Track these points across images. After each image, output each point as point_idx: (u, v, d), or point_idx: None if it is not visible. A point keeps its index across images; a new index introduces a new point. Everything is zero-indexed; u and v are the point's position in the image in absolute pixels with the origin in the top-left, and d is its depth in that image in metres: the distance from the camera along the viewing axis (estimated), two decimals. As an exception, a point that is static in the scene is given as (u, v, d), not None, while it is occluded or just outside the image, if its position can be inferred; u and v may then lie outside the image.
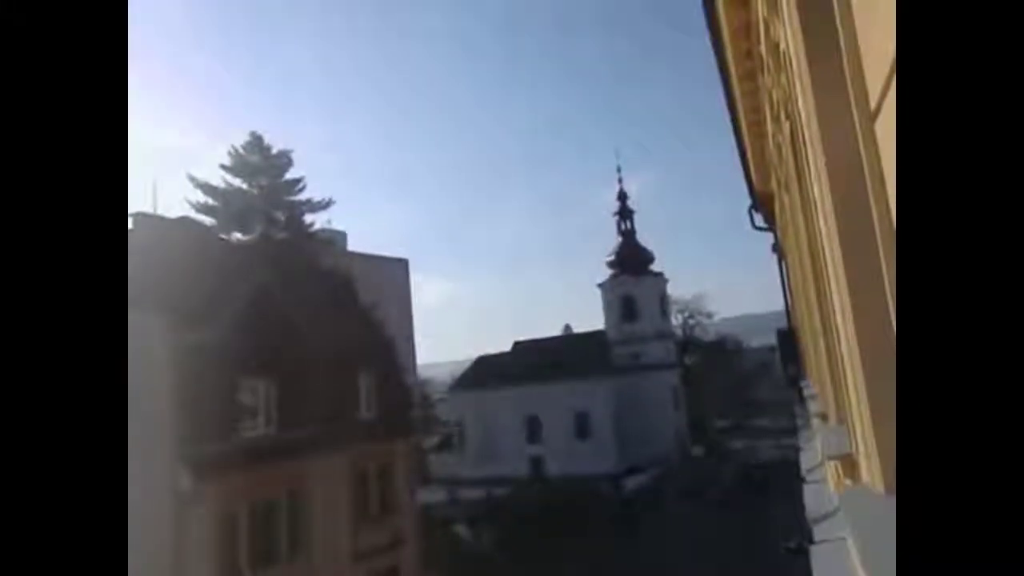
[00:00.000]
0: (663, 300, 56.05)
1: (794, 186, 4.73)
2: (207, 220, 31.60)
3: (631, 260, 54.98)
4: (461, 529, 32.28)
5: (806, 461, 6.77)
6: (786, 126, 4.22)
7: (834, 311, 2.77)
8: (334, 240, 40.14)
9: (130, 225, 17.46)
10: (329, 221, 38.38)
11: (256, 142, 34.64)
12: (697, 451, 51.73)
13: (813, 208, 3.28)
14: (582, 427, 49.79)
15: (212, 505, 12.62)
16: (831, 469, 4.08)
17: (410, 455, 20.35)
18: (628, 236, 56.53)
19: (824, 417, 5.12)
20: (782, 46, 3.35)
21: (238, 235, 32.58)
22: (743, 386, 65.61)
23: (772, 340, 12.85)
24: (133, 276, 15.08)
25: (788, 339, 9.93)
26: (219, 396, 13.25)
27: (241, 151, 34.36)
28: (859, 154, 1.79)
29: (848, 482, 3.17)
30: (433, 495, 38.78)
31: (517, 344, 56.74)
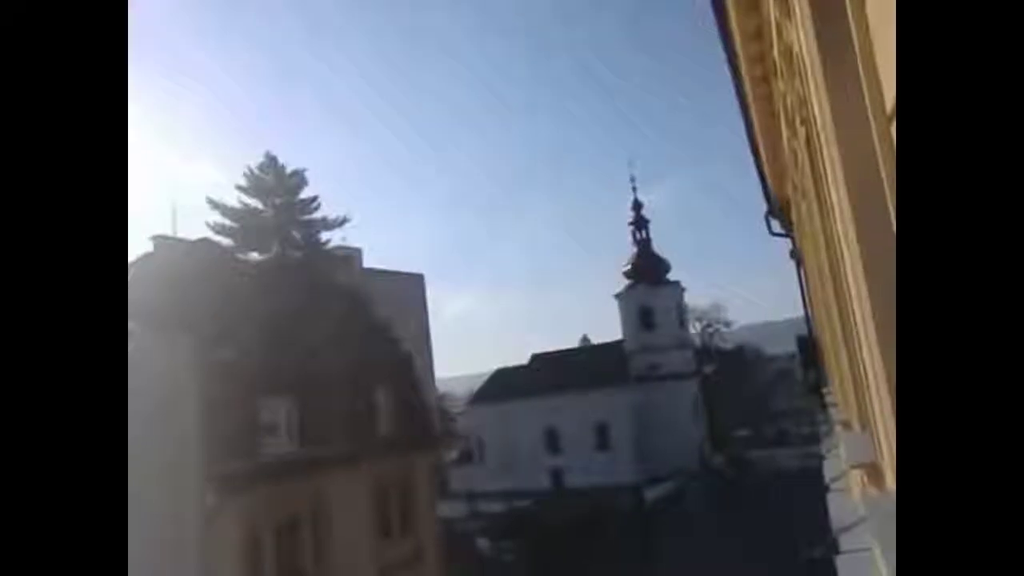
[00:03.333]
0: (680, 309, 55.60)
1: (811, 191, 4.69)
2: (225, 241, 32.06)
3: (647, 269, 54.69)
4: (483, 543, 32.07)
5: (830, 470, 6.65)
6: (801, 131, 4.19)
7: (855, 316, 2.73)
8: (350, 257, 40.47)
9: (151, 248, 17.83)
10: (344, 238, 38.71)
11: (271, 163, 35.17)
12: (717, 461, 51.01)
13: (830, 213, 3.25)
14: (601, 438, 49.39)
15: (237, 521, 12.71)
16: (855, 477, 4.00)
17: (430, 469, 20.30)
18: (644, 245, 56.29)
19: (847, 425, 5.03)
20: (795, 50, 3.34)
21: (255, 255, 32.97)
22: (763, 395, 64.78)
23: (792, 348, 12.68)
24: (156, 298, 15.28)
25: (808, 346, 9.80)
26: (241, 414, 13.39)
27: (256, 171, 34.90)
28: (876, 157, 1.78)
29: (873, 490, 3.10)
30: (453, 509, 38.64)
31: (535, 356, 56.59)
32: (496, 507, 41.45)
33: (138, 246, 18.08)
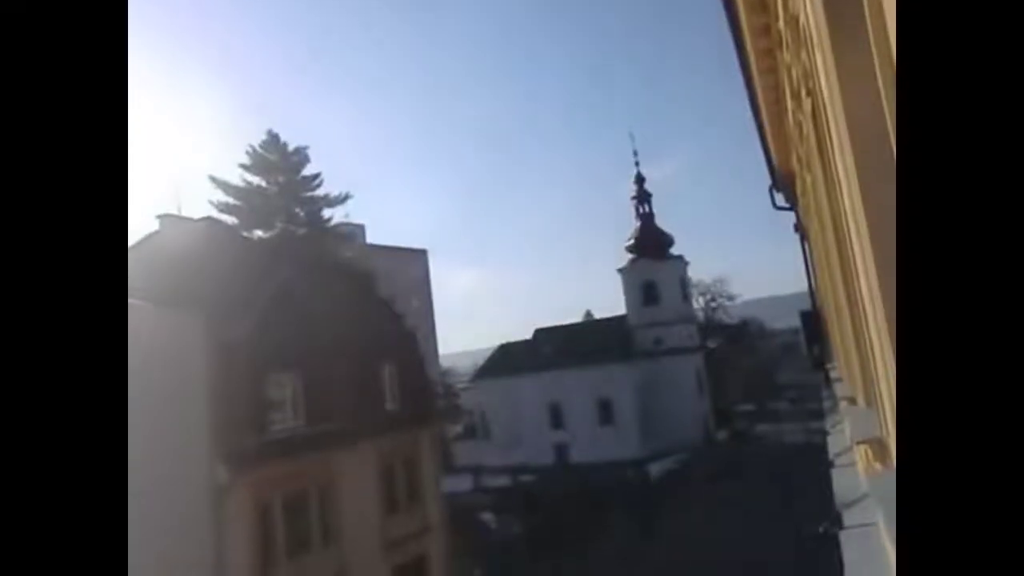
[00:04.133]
0: (684, 283, 55.57)
1: (816, 164, 4.63)
2: (230, 219, 32.03)
3: (650, 244, 54.54)
4: (487, 517, 32.59)
5: (834, 445, 6.68)
6: (807, 103, 4.12)
7: (860, 291, 2.71)
8: (353, 234, 40.50)
9: (156, 227, 17.87)
10: (347, 215, 38.62)
11: (273, 140, 34.98)
12: (721, 435, 51.44)
13: (837, 186, 3.21)
14: (605, 413, 49.81)
15: (247, 496, 12.97)
16: (860, 453, 4.02)
17: (434, 444, 20.54)
18: (647, 220, 56.04)
19: (852, 400, 5.04)
20: (802, 20, 3.26)
21: (260, 233, 32.99)
22: (767, 369, 64.98)
23: (796, 322, 12.67)
24: (163, 277, 15.38)
25: (812, 321, 9.78)
26: (249, 391, 13.53)
27: (259, 149, 34.72)
28: (886, 129, 1.74)
29: (878, 466, 3.11)
30: (459, 483, 39.19)
31: (538, 331, 56.79)
32: (501, 482, 42.03)
33: (144, 225, 18.09)
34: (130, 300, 13.39)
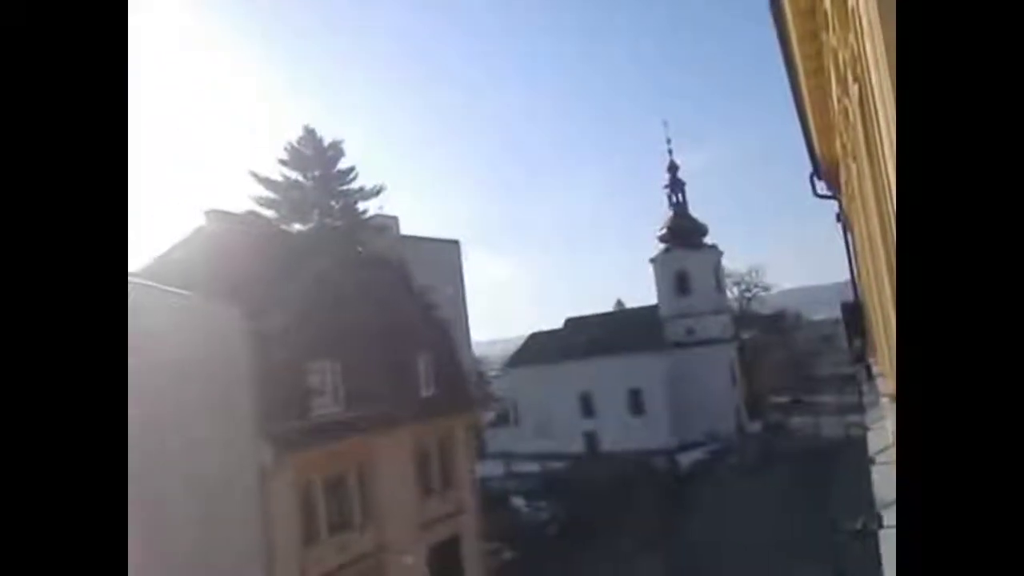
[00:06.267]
0: (718, 273, 54.65)
1: (862, 153, 4.56)
2: (269, 213, 32.84)
3: (683, 233, 53.75)
4: (518, 502, 32.92)
5: (875, 442, 6.56)
6: (854, 88, 4.06)
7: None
8: (388, 225, 40.93)
9: (202, 221, 18.62)
10: (381, 207, 39.05)
11: (309, 135, 35.61)
12: (754, 427, 50.65)
13: (884, 176, 3.17)
14: (636, 403, 49.55)
15: (290, 478, 13.48)
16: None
17: (467, 431, 20.83)
18: (680, 208, 55.22)
19: (894, 397, 4.95)
20: (851, 1, 3.22)
21: (297, 226, 33.69)
22: (803, 361, 63.54)
23: (835, 313, 12.36)
24: (209, 269, 15.91)
25: (854, 313, 9.56)
26: (291, 378, 14.00)
27: (295, 145, 35.41)
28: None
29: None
30: (491, 469, 39.61)
31: (569, 321, 56.70)
32: (531, 468, 42.31)
33: (191, 219, 18.68)
34: (177, 291, 13.93)
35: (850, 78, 4.20)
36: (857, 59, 3.48)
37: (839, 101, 5.71)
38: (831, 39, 4.99)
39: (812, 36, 5.84)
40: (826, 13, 4.81)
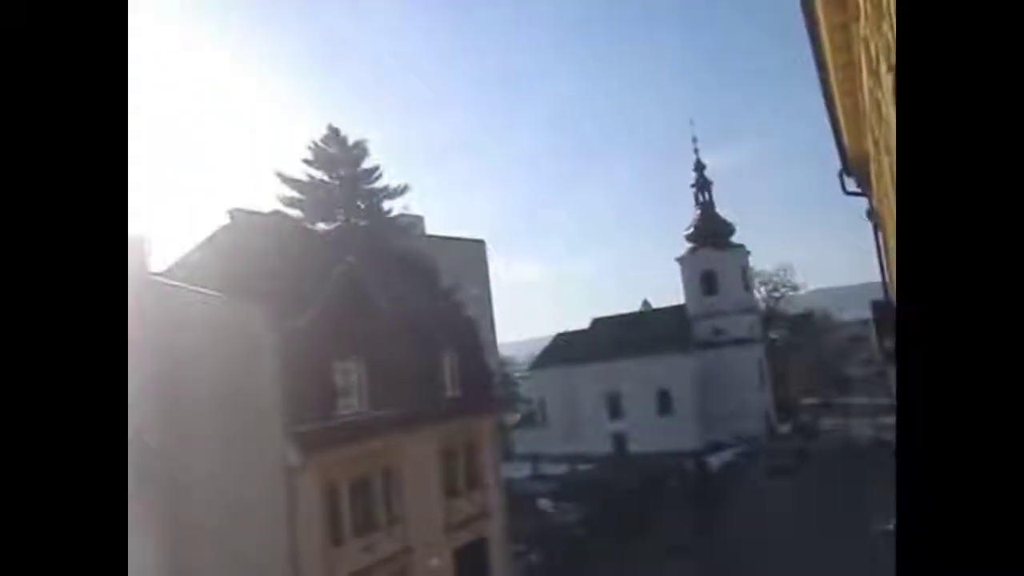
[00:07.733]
0: (745, 273, 53.83)
1: (895, 146, 4.42)
2: (295, 212, 33.23)
3: (710, 232, 53.10)
4: (545, 503, 32.83)
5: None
6: (887, 79, 3.94)
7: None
8: (413, 224, 41.16)
9: (227, 220, 18.79)
10: (406, 207, 39.28)
11: (333, 134, 35.96)
12: (784, 429, 49.73)
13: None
14: (663, 403, 49.06)
15: (316, 477, 13.58)
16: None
17: (494, 431, 20.82)
18: (707, 208, 54.53)
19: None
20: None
21: (323, 225, 34.04)
22: (834, 362, 62.19)
23: (865, 313, 12.04)
24: (234, 268, 16.16)
25: (886, 312, 9.30)
26: (317, 378, 14.12)
27: (320, 144, 35.78)
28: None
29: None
30: (517, 470, 39.59)
31: (596, 321, 56.39)
32: (558, 470, 42.17)
33: (217, 219, 18.98)
34: (202, 291, 14.18)
35: (883, 68, 4.08)
36: (892, 49, 3.37)
37: (871, 93, 5.56)
38: (862, 29, 4.86)
39: (842, 27, 5.70)
40: (858, 2, 4.69)
